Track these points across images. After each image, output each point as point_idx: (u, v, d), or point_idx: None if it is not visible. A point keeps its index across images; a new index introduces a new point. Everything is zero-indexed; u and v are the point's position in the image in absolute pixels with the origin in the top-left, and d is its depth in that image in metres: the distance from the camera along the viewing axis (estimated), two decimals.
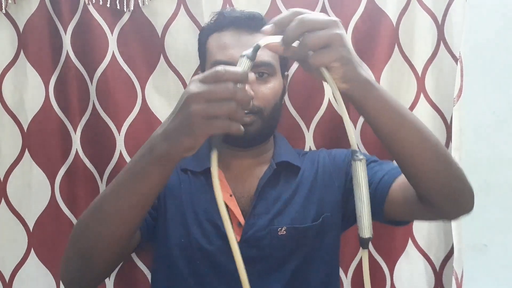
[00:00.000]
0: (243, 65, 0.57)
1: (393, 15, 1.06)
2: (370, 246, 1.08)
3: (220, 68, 0.56)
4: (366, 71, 0.61)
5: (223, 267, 0.84)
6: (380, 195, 0.82)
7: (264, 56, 0.87)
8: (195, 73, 1.07)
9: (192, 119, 0.55)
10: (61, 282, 1.07)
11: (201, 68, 0.97)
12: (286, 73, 0.96)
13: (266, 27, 0.59)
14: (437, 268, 1.05)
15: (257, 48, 0.58)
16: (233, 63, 0.85)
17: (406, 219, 0.85)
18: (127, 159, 1.06)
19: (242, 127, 0.58)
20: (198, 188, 0.89)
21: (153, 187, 0.65)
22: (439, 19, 1.04)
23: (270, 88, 0.88)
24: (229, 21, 0.89)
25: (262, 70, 0.87)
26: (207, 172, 0.90)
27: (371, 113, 0.63)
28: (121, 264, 1.08)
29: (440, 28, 1.04)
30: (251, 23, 0.88)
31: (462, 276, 0.98)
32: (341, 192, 0.90)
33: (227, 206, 0.86)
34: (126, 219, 0.67)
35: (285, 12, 0.58)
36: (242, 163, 0.92)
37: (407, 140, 0.65)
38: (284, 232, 0.85)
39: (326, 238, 0.88)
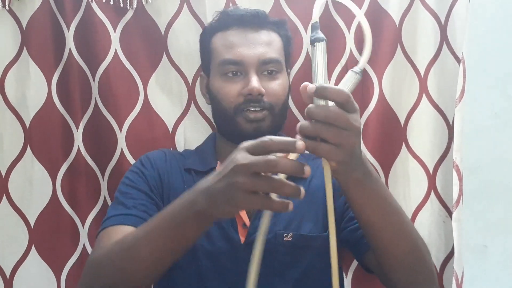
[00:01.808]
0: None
1: (396, 15, 1.06)
2: None
3: (267, 139, 0.56)
4: (365, 167, 0.63)
5: (226, 268, 0.83)
6: (358, 252, 0.86)
7: (272, 53, 0.88)
8: (197, 72, 1.07)
9: (234, 190, 0.56)
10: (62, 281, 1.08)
11: (204, 68, 0.97)
12: (289, 70, 0.97)
13: (310, 86, 0.57)
14: (438, 269, 1.05)
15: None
16: (242, 61, 0.87)
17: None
18: (128, 156, 1.06)
19: (290, 205, 0.57)
20: None
21: (189, 238, 0.67)
22: (442, 20, 1.04)
23: (279, 84, 0.89)
24: (234, 20, 0.89)
25: (271, 68, 0.88)
26: (212, 172, 0.88)
27: (355, 204, 0.67)
28: None
29: (443, 28, 1.04)
30: (255, 20, 0.90)
31: (462, 277, 0.97)
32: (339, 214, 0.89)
33: None
34: (157, 262, 0.70)
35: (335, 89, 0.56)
36: None
37: (384, 232, 0.70)
38: (290, 238, 0.84)
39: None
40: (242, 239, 0.83)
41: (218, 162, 0.91)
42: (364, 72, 1.05)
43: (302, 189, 0.57)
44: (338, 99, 0.55)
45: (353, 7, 0.61)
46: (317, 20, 0.59)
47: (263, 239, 0.60)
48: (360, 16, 0.61)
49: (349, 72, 0.59)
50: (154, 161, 0.92)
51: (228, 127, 0.90)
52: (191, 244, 0.68)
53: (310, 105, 0.56)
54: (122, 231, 0.79)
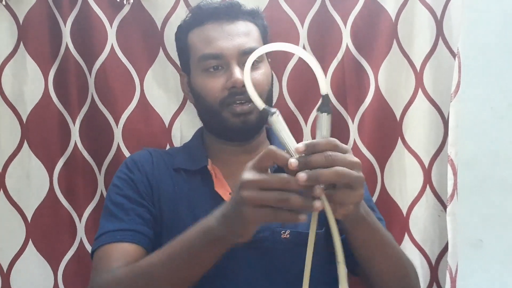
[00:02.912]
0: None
1: (392, 11, 1.06)
2: None
3: (270, 150, 0.57)
4: (363, 203, 0.67)
5: (228, 267, 0.81)
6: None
7: (251, 42, 0.86)
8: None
9: (242, 206, 0.57)
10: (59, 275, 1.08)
11: (183, 66, 0.95)
12: (269, 59, 0.94)
13: (298, 146, 0.57)
14: (433, 263, 1.05)
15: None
16: (222, 54, 0.85)
17: None
18: (125, 151, 1.06)
19: (302, 217, 0.57)
20: (194, 189, 0.86)
21: (207, 264, 0.69)
22: (438, 15, 1.04)
23: (262, 74, 0.87)
24: (209, 14, 0.88)
25: None
26: (204, 171, 0.87)
27: (356, 240, 0.72)
28: None
29: (439, 23, 1.04)
30: (230, 12, 0.88)
31: (456, 271, 0.98)
32: None
33: None
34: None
35: (320, 139, 0.58)
36: (239, 159, 0.88)
37: (383, 264, 0.76)
38: (288, 236, 0.82)
39: (329, 247, 0.86)
40: None
41: (209, 160, 0.89)
42: (359, 67, 1.07)
43: (317, 204, 0.56)
44: (329, 147, 0.56)
45: (290, 47, 0.61)
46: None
47: (313, 237, 0.62)
48: (300, 53, 0.61)
49: (318, 114, 0.59)
50: (141, 164, 0.89)
51: (215, 123, 0.88)
52: (207, 270, 0.69)
53: (312, 157, 0.56)
54: (123, 250, 0.79)
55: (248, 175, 0.58)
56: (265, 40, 0.93)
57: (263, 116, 0.84)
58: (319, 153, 0.56)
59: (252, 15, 0.91)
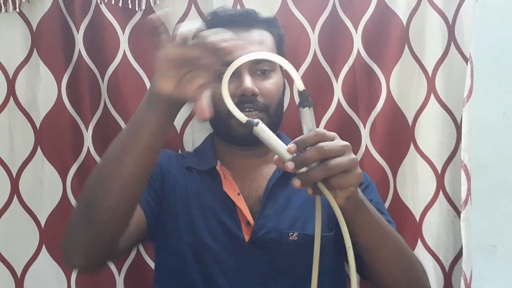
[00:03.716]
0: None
1: (403, 15, 1.06)
2: None
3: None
4: (359, 190, 0.67)
5: (229, 266, 0.83)
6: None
7: (265, 51, 0.87)
8: None
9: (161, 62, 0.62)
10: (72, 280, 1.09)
11: None
12: (283, 68, 0.95)
13: (289, 146, 0.60)
14: (447, 269, 1.05)
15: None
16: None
17: None
18: None
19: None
20: (204, 187, 0.88)
21: (152, 135, 0.65)
22: (450, 19, 1.04)
23: (273, 83, 0.88)
24: (224, 21, 0.88)
25: (264, 67, 0.87)
26: (212, 171, 0.89)
27: (358, 227, 0.70)
28: (130, 261, 1.09)
29: (450, 28, 1.04)
30: (246, 20, 0.89)
31: (471, 277, 0.97)
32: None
33: (234, 204, 0.86)
34: (127, 178, 0.66)
35: (307, 133, 0.60)
36: (248, 162, 0.91)
37: (382, 251, 0.74)
38: (296, 238, 0.83)
39: (336, 249, 0.86)
40: (247, 238, 0.83)
41: (218, 161, 0.90)
42: (371, 72, 1.07)
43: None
44: (318, 138, 0.60)
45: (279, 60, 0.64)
46: None
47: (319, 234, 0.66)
48: (269, 56, 0.65)
49: (301, 110, 0.61)
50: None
51: (223, 129, 0.89)
52: (154, 150, 0.66)
53: (306, 153, 0.59)
54: None
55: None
56: (280, 49, 0.94)
57: (271, 125, 0.85)
58: (312, 147, 0.59)
59: (267, 24, 0.92)
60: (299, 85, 0.61)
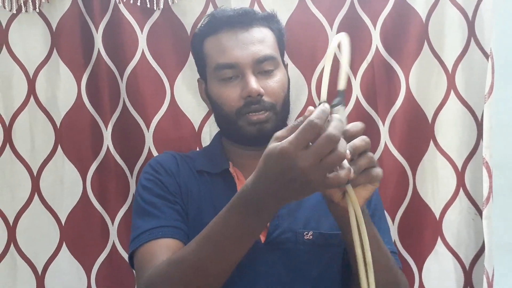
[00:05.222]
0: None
1: (422, 11, 1.05)
2: (399, 244, 1.07)
3: (311, 120, 0.54)
4: None
5: (245, 268, 0.79)
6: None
7: (266, 50, 0.86)
8: None
9: (312, 184, 0.55)
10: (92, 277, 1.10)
11: (200, 73, 0.95)
12: (286, 62, 0.95)
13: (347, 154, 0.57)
14: (467, 267, 1.04)
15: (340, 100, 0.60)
16: (237, 64, 0.85)
17: None
18: (156, 155, 1.07)
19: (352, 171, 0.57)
20: (217, 191, 0.87)
21: (254, 232, 0.66)
22: (470, 15, 1.03)
23: (277, 81, 0.87)
24: (223, 22, 0.88)
25: (267, 65, 0.86)
26: (225, 174, 0.88)
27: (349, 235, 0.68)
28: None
29: (470, 24, 1.03)
30: (244, 19, 0.88)
31: (493, 275, 0.96)
32: None
33: None
34: (225, 271, 0.69)
35: (357, 141, 0.60)
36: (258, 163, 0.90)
37: (375, 264, 0.69)
38: (311, 237, 0.82)
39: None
40: (263, 239, 0.82)
41: (230, 163, 0.90)
42: (390, 69, 1.06)
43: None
44: (366, 145, 0.61)
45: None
46: None
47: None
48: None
49: (337, 108, 0.60)
50: (167, 166, 0.89)
51: (231, 131, 0.89)
52: (256, 238, 0.67)
53: (351, 143, 0.59)
54: (166, 245, 0.78)
55: (303, 162, 0.54)
56: (281, 44, 0.92)
57: (279, 125, 0.85)
58: (365, 157, 0.60)
59: (267, 20, 0.91)
60: (341, 84, 0.61)
